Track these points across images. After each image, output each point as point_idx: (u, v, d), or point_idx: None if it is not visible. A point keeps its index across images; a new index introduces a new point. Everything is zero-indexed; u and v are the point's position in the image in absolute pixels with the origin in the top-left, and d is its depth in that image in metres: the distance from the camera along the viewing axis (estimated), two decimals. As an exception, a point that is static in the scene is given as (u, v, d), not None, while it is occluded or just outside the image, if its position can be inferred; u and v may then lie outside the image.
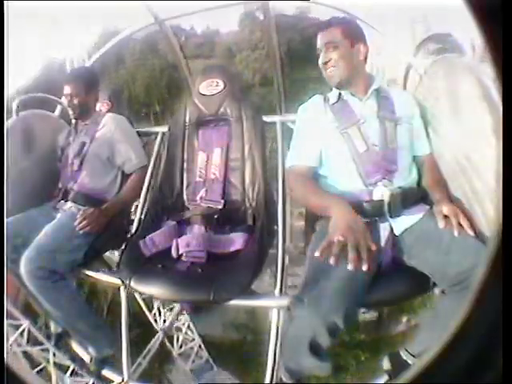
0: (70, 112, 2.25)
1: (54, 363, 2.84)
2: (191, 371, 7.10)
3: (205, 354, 6.83)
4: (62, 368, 2.93)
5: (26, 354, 3.07)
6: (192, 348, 6.41)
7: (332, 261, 1.14)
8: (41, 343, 3.02)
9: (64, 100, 2.27)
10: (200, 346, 6.50)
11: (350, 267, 1.14)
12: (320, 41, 1.62)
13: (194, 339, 6.33)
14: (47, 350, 2.91)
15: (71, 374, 2.84)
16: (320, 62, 1.62)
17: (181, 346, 6.20)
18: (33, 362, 3.00)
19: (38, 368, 2.89)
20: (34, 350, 3.03)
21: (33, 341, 3.11)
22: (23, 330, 3.09)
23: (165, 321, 5.17)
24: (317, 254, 1.19)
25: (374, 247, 1.21)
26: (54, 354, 2.82)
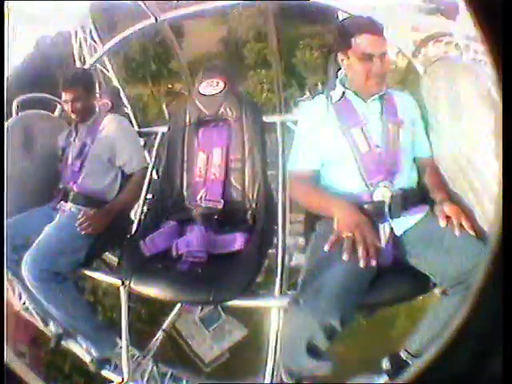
0: (73, 116, 2.22)
1: None
2: (200, 320, 7.05)
3: None
4: None
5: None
6: None
7: (345, 257, 1.22)
8: None
9: (65, 106, 2.23)
10: None
11: (361, 264, 1.22)
12: (376, 47, 1.46)
13: None
14: None
15: None
16: (376, 71, 1.48)
17: None
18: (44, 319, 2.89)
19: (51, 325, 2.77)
20: None
21: None
22: None
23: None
24: (326, 248, 1.27)
25: (379, 243, 1.28)
26: None
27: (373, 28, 1.48)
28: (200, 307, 6.46)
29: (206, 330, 7.66)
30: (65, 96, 2.18)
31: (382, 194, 1.47)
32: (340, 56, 1.55)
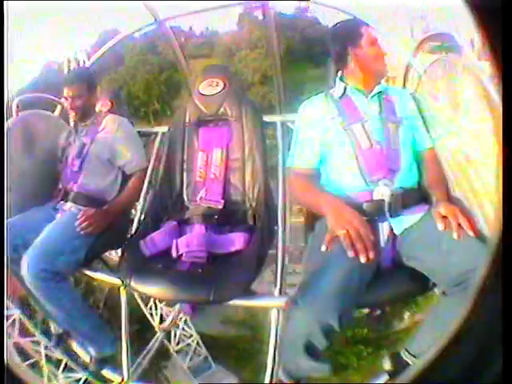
0: (72, 114, 2.23)
1: (46, 356, 2.76)
2: (189, 369, 6.96)
3: (203, 351, 6.68)
4: (54, 362, 2.81)
5: (17, 347, 2.94)
6: (189, 345, 6.26)
7: (350, 254, 1.24)
8: (32, 335, 2.85)
9: (65, 102, 2.24)
10: (198, 343, 6.35)
11: (362, 259, 1.23)
12: (375, 33, 1.68)
13: (191, 335, 6.17)
14: (38, 343, 2.79)
15: (64, 369, 2.75)
16: (383, 53, 1.67)
17: (178, 343, 6.03)
18: (25, 356, 2.90)
19: (30, 361, 2.80)
20: (25, 342, 2.90)
21: (24, 332, 2.92)
22: (14, 321, 2.90)
23: (162, 317, 5.07)
24: (323, 248, 1.28)
25: (372, 237, 1.29)
26: (46, 347, 2.73)
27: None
28: (190, 357, 6.44)
29: (194, 378, 7.39)
30: (66, 92, 2.19)
31: (382, 192, 1.48)
32: (352, 50, 1.63)
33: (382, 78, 1.66)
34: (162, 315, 5.15)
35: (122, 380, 2.10)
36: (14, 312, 2.77)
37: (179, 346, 6.18)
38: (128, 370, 2.07)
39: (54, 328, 2.46)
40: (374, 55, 1.62)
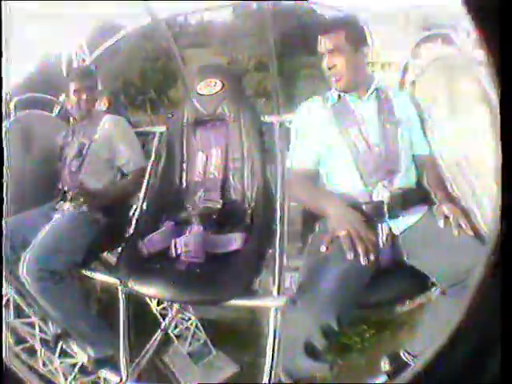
0: (75, 110, 2.23)
1: (41, 340, 2.70)
2: (189, 355, 6.78)
3: (203, 335, 6.51)
4: (49, 345, 2.73)
5: (10, 328, 2.86)
6: (188, 328, 6.08)
7: (349, 256, 1.23)
8: (27, 316, 2.75)
9: (71, 97, 2.24)
10: (197, 326, 6.17)
11: (362, 261, 1.22)
12: (323, 45, 1.56)
13: (190, 318, 6.00)
14: (33, 325, 2.75)
15: (60, 354, 2.68)
16: (324, 65, 1.58)
17: (176, 326, 5.87)
18: (18, 337, 2.81)
19: (23, 345, 2.70)
20: (19, 324, 2.84)
21: (18, 313, 2.79)
22: (8, 301, 2.84)
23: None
24: (323, 249, 1.28)
25: (374, 238, 1.29)
26: (40, 329, 2.70)
27: (323, 28, 1.59)
28: (189, 342, 6.27)
29: (194, 364, 7.05)
30: (73, 86, 2.20)
31: (381, 193, 1.48)
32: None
33: (339, 91, 1.61)
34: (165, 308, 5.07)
35: (121, 380, 2.09)
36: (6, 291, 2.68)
37: (177, 330, 5.96)
38: (126, 370, 2.06)
39: (52, 328, 2.45)
40: (326, 68, 1.58)
